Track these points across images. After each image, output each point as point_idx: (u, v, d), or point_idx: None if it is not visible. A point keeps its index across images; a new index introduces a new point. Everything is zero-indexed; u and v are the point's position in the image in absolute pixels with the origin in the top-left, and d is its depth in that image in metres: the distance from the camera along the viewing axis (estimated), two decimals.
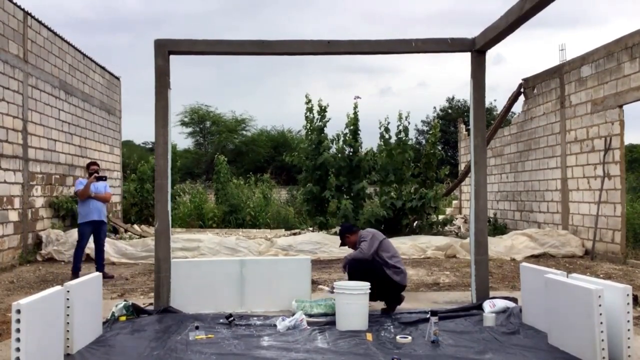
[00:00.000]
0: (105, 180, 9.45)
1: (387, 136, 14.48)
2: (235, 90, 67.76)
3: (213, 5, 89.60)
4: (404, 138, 14.42)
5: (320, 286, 7.61)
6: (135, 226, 16.26)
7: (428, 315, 5.23)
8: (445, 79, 70.70)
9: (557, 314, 4.81)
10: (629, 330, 4.41)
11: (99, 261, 9.20)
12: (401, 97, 67.24)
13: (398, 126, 14.46)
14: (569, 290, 4.66)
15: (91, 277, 5.41)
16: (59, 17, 78.03)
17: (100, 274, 5.83)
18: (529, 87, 14.37)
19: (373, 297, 6.04)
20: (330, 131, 15.36)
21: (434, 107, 41.75)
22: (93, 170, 9.20)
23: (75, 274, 8.90)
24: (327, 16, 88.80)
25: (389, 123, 14.50)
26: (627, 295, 4.43)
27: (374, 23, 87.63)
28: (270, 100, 63.63)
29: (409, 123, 14.52)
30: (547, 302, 4.97)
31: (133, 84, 55.11)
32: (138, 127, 63.20)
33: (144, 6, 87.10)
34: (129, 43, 79.64)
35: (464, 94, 43.20)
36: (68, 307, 4.67)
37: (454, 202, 21.45)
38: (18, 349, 3.79)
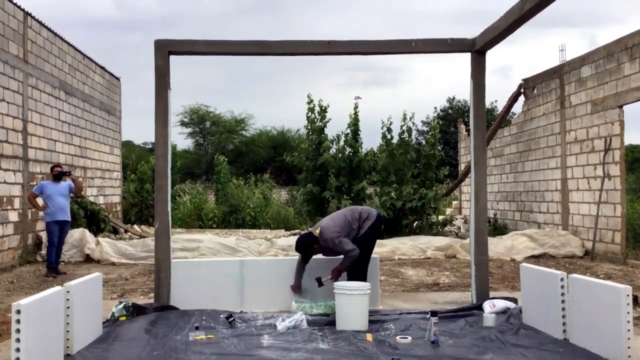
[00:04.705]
0: (69, 175, 9.69)
1: (389, 136, 14.45)
2: (238, 91, 67.69)
3: (226, 7, 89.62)
4: (407, 139, 14.37)
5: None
6: (135, 226, 16.27)
7: (428, 316, 5.22)
8: (448, 79, 70.59)
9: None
10: (629, 330, 4.42)
11: (56, 258, 9.51)
12: (402, 97, 67.23)
13: (402, 126, 14.41)
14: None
15: (91, 277, 5.41)
16: (63, 17, 78.09)
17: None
18: (528, 87, 14.37)
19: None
20: (335, 130, 15.38)
21: (435, 107, 41.69)
22: (57, 172, 9.55)
23: (52, 269, 9.34)
24: (332, 16, 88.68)
25: (391, 123, 14.49)
26: (627, 295, 4.44)
27: (386, 21, 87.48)
28: (273, 101, 63.48)
29: (413, 123, 14.53)
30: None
31: (136, 85, 55.12)
32: (138, 128, 63.27)
33: (154, 5, 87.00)
34: (132, 43, 79.66)
35: (465, 94, 43.11)
36: (68, 307, 4.67)
37: (454, 202, 21.43)
38: (18, 350, 3.79)
